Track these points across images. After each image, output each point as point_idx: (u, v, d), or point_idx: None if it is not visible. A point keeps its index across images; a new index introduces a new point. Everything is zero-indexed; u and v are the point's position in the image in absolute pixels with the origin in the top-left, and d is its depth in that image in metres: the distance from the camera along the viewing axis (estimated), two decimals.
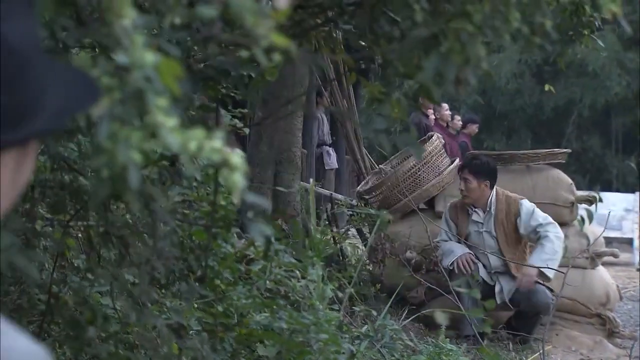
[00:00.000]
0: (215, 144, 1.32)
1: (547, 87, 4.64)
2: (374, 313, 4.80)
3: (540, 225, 6.67)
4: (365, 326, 4.79)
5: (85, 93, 1.08)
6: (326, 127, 13.47)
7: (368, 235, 7.51)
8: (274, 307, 3.49)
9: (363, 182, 7.95)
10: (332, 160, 13.44)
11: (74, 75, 1.09)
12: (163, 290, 2.90)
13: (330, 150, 13.53)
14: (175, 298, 3.14)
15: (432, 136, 7.87)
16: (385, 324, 4.55)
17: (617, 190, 20.12)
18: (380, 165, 8.06)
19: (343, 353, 3.72)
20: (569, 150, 7.94)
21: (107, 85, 1.29)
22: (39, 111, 0.98)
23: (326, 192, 8.48)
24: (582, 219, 4.94)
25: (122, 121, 1.29)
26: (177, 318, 2.77)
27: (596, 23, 3.24)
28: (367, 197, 7.64)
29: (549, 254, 6.53)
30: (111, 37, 1.33)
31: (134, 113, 1.29)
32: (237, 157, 1.33)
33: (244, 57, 2.23)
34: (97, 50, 1.83)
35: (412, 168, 7.46)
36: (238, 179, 1.32)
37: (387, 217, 5.33)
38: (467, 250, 6.76)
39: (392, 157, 8.13)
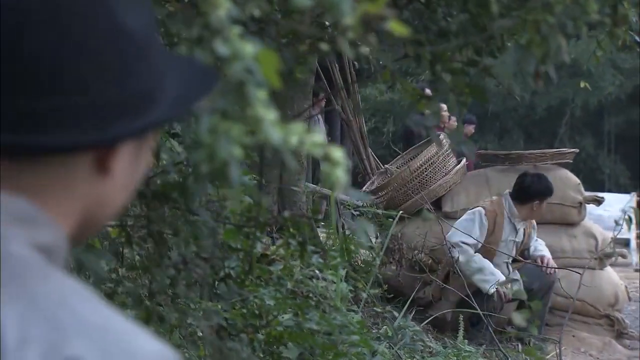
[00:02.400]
0: (316, 139, 1.27)
1: (582, 84, 4.57)
2: (396, 314, 4.75)
3: (536, 240, 6.98)
4: (384, 327, 4.74)
5: (203, 81, 1.04)
6: (322, 128, 13.43)
7: (374, 236, 7.46)
8: (305, 308, 3.44)
9: (369, 183, 7.90)
10: None
11: (189, 63, 1.05)
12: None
13: None
14: (203, 299, 3.08)
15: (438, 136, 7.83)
16: (407, 325, 4.50)
17: (609, 191, 20.13)
18: (386, 166, 8.01)
19: (364, 354, 3.67)
20: (577, 150, 7.92)
21: None
22: (157, 100, 0.95)
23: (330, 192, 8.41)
24: (630, 218, 4.90)
25: (223, 114, 1.24)
26: (217, 319, 2.72)
27: (633, 19, 3.20)
28: (373, 197, 7.59)
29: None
30: (207, 28, 1.28)
31: (234, 106, 1.25)
32: (338, 152, 1.28)
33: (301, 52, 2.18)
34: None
35: (419, 168, 7.42)
36: (340, 174, 1.27)
37: (430, 216, 5.26)
38: (502, 275, 6.70)
39: (398, 157, 8.10)
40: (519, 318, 2.82)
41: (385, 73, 3.11)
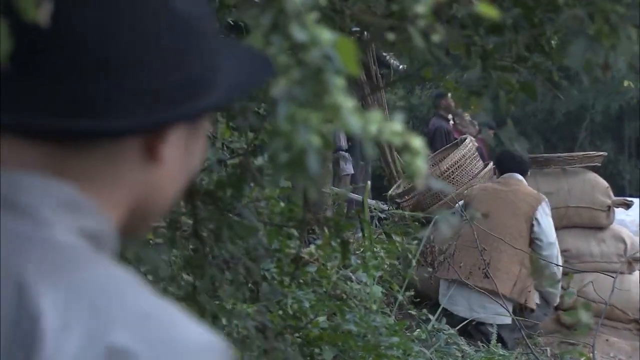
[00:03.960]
0: (395, 127, 1.23)
1: (626, 83, 4.50)
2: (430, 317, 4.72)
3: None
4: (417, 330, 4.71)
5: (259, 69, 1.00)
6: (342, 132, 13.39)
7: (398, 240, 7.41)
8: (344, 310, 3.41)
9: (395, 186, 7.87)
10: (348, 165, 13.34)
11: (245, 50, 1.02)
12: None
13: (347, 155, 13.44)
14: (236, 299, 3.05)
15: (465, 139, 7.79)
16: (441, 327, 4.47)
17: (631, 196, 19.98)
18: None
19: (406, 357, 3.63)
20: (605, 154, 7.87)
21: (284, 64, 1.21)
22: (211, 85, 0.91)
23: (358, 197, 8.38)
24: None
25: (301, 102, 1.21)
26: (262, 319, 2.69)
27: None
28: (399, 200, 7.55)
29: None
30: (283, 14, 1.25)
31: (312, 93, 1.21)
32: (418, 141, 1.24)
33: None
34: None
35: (446, 171, 7.38)
36: (421, 164, 1.23)
37: (479, 214, 5.22)
38: None
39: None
40: (586, 316, 2.78)
41: (426, 71, 3.07)
